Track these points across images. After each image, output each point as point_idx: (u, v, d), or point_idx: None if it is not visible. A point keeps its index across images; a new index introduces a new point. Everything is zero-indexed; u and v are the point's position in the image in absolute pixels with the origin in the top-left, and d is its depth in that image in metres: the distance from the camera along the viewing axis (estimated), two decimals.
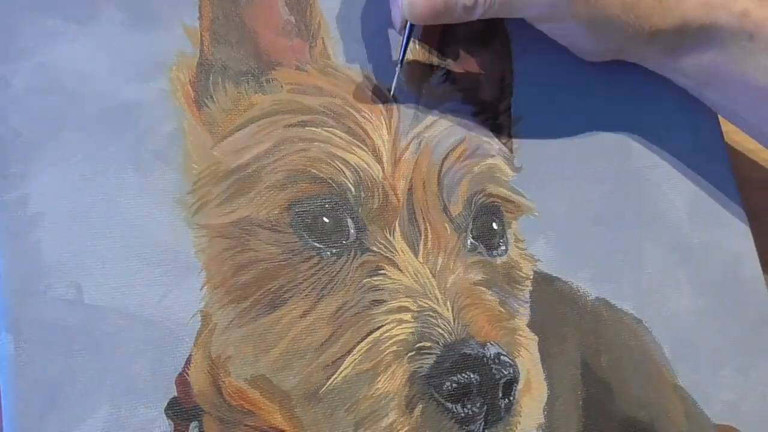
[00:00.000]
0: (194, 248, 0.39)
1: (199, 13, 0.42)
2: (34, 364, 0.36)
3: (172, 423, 0.37)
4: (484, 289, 0.42)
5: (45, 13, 0.40)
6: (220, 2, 0.43)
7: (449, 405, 0.39)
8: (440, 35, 0.47)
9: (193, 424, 0.37)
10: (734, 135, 0.55)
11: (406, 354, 0.39)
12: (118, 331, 0.37)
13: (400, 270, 0.41)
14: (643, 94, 0.51)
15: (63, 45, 0.40)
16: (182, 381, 0.37)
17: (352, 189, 0.41)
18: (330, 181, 0.41)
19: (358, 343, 0.39)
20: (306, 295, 0.40)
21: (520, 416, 0.41)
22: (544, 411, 0.42)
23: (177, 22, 0.42)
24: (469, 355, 0.39)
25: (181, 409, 0.37)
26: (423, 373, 0.39)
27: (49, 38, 0.40)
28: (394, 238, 0.41)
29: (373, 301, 0.40)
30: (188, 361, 0.38)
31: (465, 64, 0.47)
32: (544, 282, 0.45)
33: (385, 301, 0.40)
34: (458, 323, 0.40)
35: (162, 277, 0.38)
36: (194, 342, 0.38)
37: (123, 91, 0.40)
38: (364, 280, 0.40)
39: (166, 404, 0.37)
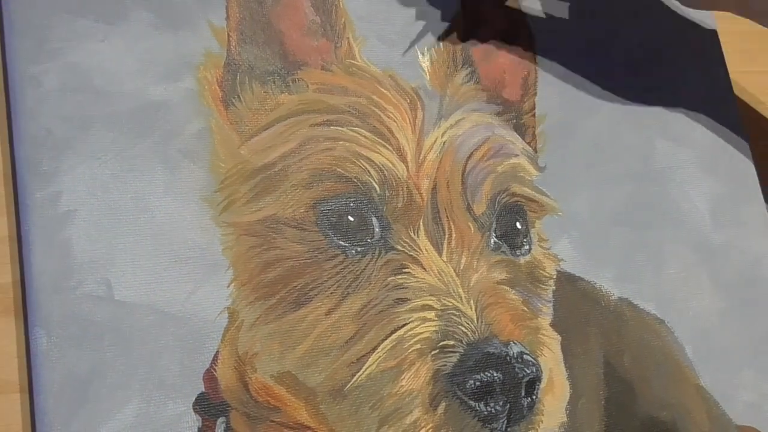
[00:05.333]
0: (221, 246, 0.40)
1: (227, 14, 0.43)
2: (65, 360, 0.36)
3: (200, 418, 0.37)
4: (508, 288, 0.42)
5: (75, 13, 0.41)
6: (246, 3, 0.43)
7: (472, 403, 0.39)
8: (464, 34, 0.48)
9: (221, 419, 0.38)
10: (757, 133, 0.55)
11: (430, 352, 0.39)
12: (148, 327, 0.37)
13: (424, 269, 0.41)
14: (667, 94, 0.51)
15: (93, 45, 0.41)
16: (210, 377, 0.38)
17: (377, 188, 0.41)
18: (355, 180, 0.41)
19: (383, 340, 0.39)
20: (331, 293, 0.40)
21: (543, 415, 0.41)
22: (566, 410, 0.42)
23: (204, 23, 0.43)
24: (492, 353, 0.39)
25: (208, 405, 0.37)
26: (446, 372, 0.39)
27: (79, 38, 0.40)
28: (418, 236, 0.42)
29: (397, 299, 0.40)
30: (215, 358, 0.38)
31: (489, 63, 0.48)
32: (567, 281, 0.45)
33: (409, 300, 0.40)
34: (481, 322, 0.40)
35: (190, 274, 0.39)
36: (221, 338, 0.38)
37: (151, 90, 0.41)
38: (389, 279, 0.41)
39: (194, 399, 0.37)
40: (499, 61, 0.48)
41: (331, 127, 0.42)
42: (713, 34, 0.54)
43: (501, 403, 0.39)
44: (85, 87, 0.40)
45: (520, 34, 0.49)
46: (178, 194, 0.40)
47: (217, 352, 0.38)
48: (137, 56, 0.41)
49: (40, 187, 0.38)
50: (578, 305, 0.45)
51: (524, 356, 0.40)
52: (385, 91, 0.44)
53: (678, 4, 0.52)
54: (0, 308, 0.38)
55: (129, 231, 0.39)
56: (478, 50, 0.47)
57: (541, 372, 0.41)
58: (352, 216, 0.41)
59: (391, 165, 0.42)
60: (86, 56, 0.41)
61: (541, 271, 0.44)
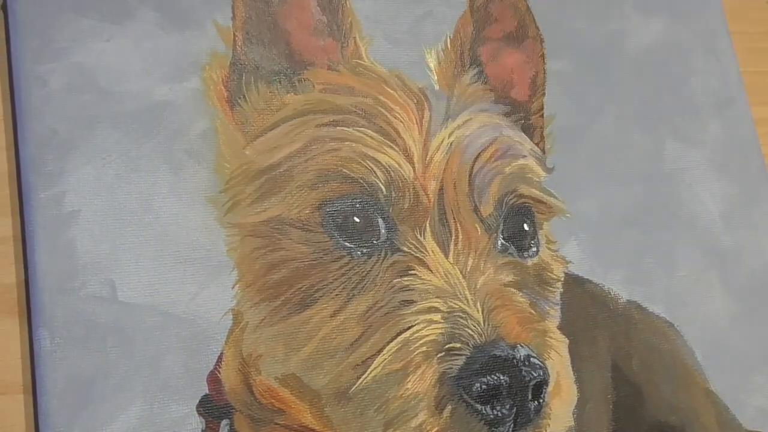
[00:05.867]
0: (226, 247, 0.39)
1: (232, 13, 0.43)
2: (68, 361, 0.36)
3: (203, 420, 0.37)
4: (515, 290, 0.42)
5: (81, 13, 0.41)
6: (252, 2, 0.43)
7: (478, 406, 0.39)
8: (472, 34, 0.47)
9: (224, 421, 0.37)
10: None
11: (436, 355, 0.39)
12: (151, 329, 0.37)
13: (431, 270, 0.41)
14: (677, 96, 0.50)
15: (98, 45, 0.41)
16: (214, 379, 0.38)
17: (383, 189, 0.41)
18: (361, 181, 0.41)
19: (388, 343, 0.39)
20: (336, 295, 0.40)
21: (550, 419, 0.40)
22: (573, 414, 0.42)
23: (210, 22, 0.42)
24: (499, 356, 0.39)
25: (212, 407, 0.37)
26: (452, 374, 0.39)
27: (84, 38, 0.40)
28: (424, 238, 0.41)
29: (403, 301, 0.40)
30: (220, 359, 0.38)
31: (497, 63, 0.47)
32: (575, 284, 0.45)
33: (415, 302, 0.40)
34: (488, 324, 0.40)
35: (194, 275, 0.39)
36: (226, 340, 0.38)
37: (157, 90, 0.41)
38: (395, 280, 0.40)
39: (197, 401, 0.37)
40: (508, 61, 0.48)
41: (337, 128, 0.42)
42: (724, 32, 0.53)
43: (507, 406, 0.39)
44: (90, 87, 0.40)
45: (528, 33, 0.49)
46: (182, 195, 0.40)
47: (221, 353, 0.38)
48: (142, 56, 0.41)
49: (44, 187, 0.38)
50: (586, 308, 0.44)
51: (531, 359, 0.39)
52: (391, 92, 0.44)
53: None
54: (4, 309, 0.38)
55: (133, 231, 0.38)
56: (485, 50, 0.47)
57: (549, 375, 0.40)
58: (357, 217, 0.41)
59: (397, 166, 0.42)
60: (92, 56, 0.40)
61: (548, 273, 0.44)
